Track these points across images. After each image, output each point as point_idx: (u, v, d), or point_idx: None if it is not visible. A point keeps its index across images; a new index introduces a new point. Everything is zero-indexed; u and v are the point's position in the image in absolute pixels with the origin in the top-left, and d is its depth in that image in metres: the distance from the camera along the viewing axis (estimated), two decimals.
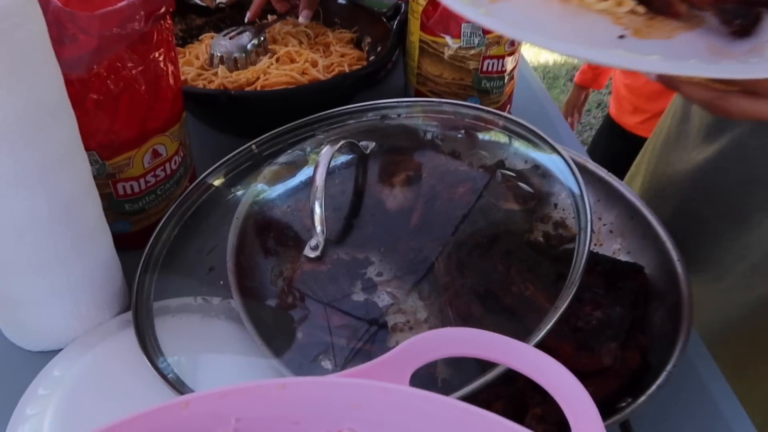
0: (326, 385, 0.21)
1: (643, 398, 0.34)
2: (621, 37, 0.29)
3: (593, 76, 1.38)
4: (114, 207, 0.46)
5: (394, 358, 0.23)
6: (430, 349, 0.23)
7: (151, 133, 0.43)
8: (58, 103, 0.34)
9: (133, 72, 0.40)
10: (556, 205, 0.48)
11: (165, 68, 0.43)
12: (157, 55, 0.41)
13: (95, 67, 0.37)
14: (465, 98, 0.61)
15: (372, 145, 0.47)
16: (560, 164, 0.45)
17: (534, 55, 2.47)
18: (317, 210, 0.39)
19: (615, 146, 1.30)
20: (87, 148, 0.39)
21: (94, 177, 0.41)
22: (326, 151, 0.40)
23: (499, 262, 0.42)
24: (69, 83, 0.36)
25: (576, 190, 0.41)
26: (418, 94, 0.63)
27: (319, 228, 0.40)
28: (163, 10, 0.40)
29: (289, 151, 0.51)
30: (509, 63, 0.60)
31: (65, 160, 0.35)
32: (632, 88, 1.19)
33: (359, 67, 0.62)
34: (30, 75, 0.31)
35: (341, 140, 0.43)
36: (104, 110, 0.39)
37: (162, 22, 0.41)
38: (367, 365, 0.23)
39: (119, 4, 0.37)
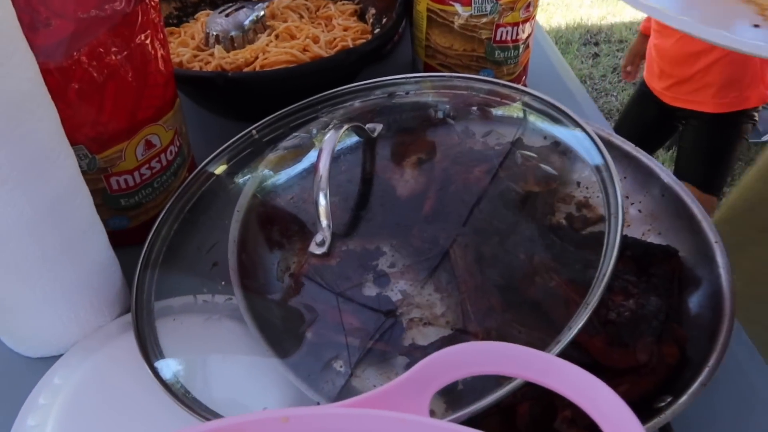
0: (334, 418, 0.18)
1: (684, 397, 0.31)
2: (756, 26, 0.29)
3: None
4: (109, 203, 0.43)
5: (411, 380, 0.20)
6: (453, 366, 0.20)
7: (142, 123, 0.40)
8: (35, 95, 0.31)
9: (118, 58, 0.37)
10: (578, 184, 0.44)
11: (153, 52, 0.40)
12: (143, 38, 0.38)
13: (75, 54, 0.34)
14: (477, 70, 0.57)
15: (379, 127, 0.44)
16: (585, 141, 0.41)
17: (545, 19, 2.39)
18: (322, 202, 0.36)
19: (647, 113, 1.22)
20: (74, 142, 0.36)
21: (85, 172, 0.38)
22: (330, 136, 0.37)
23: (520, 250, 0.39)
24: (47, 73, 0.33)
25: (604, 170, 0.37)
26: (428, 67, 0.59)
27: (324, 222, 0.37)
28: None
29: (292, 136, 0.48)
30: (524, 30, 0.56)
31: (47, 157, 0.33)
32: (660, 50, 1.13)
33: (364, 41, 0.59)
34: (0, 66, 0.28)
35: (345, 124, 0.39)
36: (89, 101, 0.36)
37: (147, 1, 0.38)
38: (381, 390, 0.20)
39: None
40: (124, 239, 0.44)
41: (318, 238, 0.37)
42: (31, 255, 0.34)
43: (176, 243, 0.43)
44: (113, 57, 0.36)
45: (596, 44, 2.25)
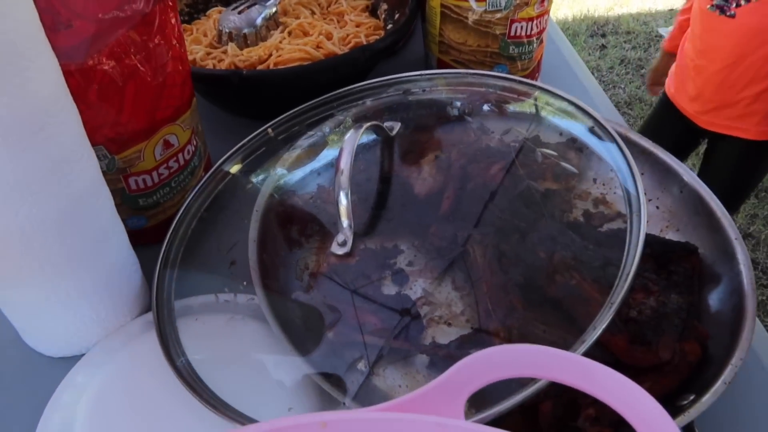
0: (372, 422, 0.18)
1: (707, 396, 0.31)
2: None
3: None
4: (127, 202, 0.43)
5: (447, 383, 0.20)
6: (489, 369, 0.20)
7: (161, 123, 0.40)
8: (58, 97, 0.31)
9: (137, 58, 0.36)
10: (595, 180, 0.44)
11: (171, 51, 0.39)
12: (161, 37, 0.38)
13: (95, 55, 0.34)
14: (491, 66, 0.57)
15: (397, 126, 0.44)
16: (604, 138, 0.41)
17: (552, 10, 2.37)
18: (343, 201, 0.36)
19: (673, 131, 1.10)
20: (94, 143, 0.36)
21: (104, 173, 0.38)
22: (350, 136, 0.37)
23: (539, 248, 0.39)
24: (68, 74, 0.33)
25: (624, 168, 0.37)
26: (441, 63, 0.59)
27: (346, 222, 0.37)
28: None
29: (308, 134, 0.48)
30: (539, 25, 0.56)
31: (71, 159, 0.33)
32: (703, 72, 1.00)
33: (377, 37, 0.58)
34: (24, 69, 0.28)
35: (364, 123, 0.39)
36: (109, 102, 0.36)
37: (165, 1, 0.38)
38: (417, 393, 0.20)
39: None
40: (142, 238, 0.44)
41: (339, 238, 0.38)
42: (54, 256, 0.34)
43: (194, 242, 0.43)
44: (133, 57, 0.36)
45: (603, 36, 2.23)
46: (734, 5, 0.92)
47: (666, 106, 1.12)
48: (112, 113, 0.37)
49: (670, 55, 1.23)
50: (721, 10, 0.93)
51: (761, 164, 1.08)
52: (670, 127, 1.11)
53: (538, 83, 0.46)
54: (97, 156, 0.37)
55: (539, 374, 0.19)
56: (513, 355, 0.19)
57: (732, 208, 1.16)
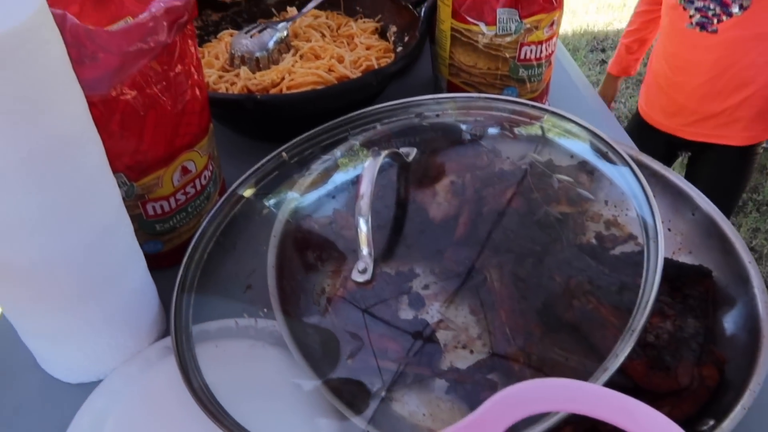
0: None
1: (727, 421, 0.31)
2: None
3: (630, 62, 1.20)
4: (144, 228, 0.44)
5: (483, 417, 0.20)
6: (524, 404, 0.20)
7: (180, 150, 0.41)
8: (84, 130, 0.32)
9: (158, 87, 0.37)
10: (606, 202, 0.45)
11: (190, 80, 0.40)
12: (181, 66, 0.39)
13: (118, 86, 0.35)
14: (501, 89, 0.58)
15: (413, 152, 0.44)
16: (617, 162, 0.41)
17: None
18: (363, 228, 0.37)
19: (654, 150, 1.08)
20: (113, 171, 0.36)
21: (123, 199, 0.38)
22: (370, 163, 0.37)
23: (555, 272, 0.39)
24: (91, 105, 0.33)
25: (639, 194, 0.38)
26: (451, 86, 0.60)
27: (365, 250, 0.37)
28: (185, 17, 0.37)
29: (322, 158, 0.48)
30: (548, 48, 0.56)
31: (94, 190, 0.33)
32: (684, 88, 1.01)
33: (387, 60, 0.59)
34: (53, 104, 0.29)
35: (382, 149, 0.40)
36: (130, 131, 0.37)
37: (184, 30, 0.39)
38: (450, 430, 0.20)
39: (140, 17, 0.34)
40: (157, 263, 0.44)
41: (360, 265, 0.38)
42: (76, 285, 0.34)
43: (210, 267, 0.44)
44: (154, 87, 0.37)
45: (603, 51, 2.25)
46: (716, 21, 0.93)
47: (641, 124, 1.13)
48: (133, 142, 0.38)
49: (615, 79, 1.25)
50: (702, 26, 0.94)
51: (746, 168, 1.10)
52: (651, 147, 1.11)
53: (549, 107, 0.47)
54: (117, 183, 0.38)
55: (577, 409, 0.19)
56: (547, 389, 0.20)
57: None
